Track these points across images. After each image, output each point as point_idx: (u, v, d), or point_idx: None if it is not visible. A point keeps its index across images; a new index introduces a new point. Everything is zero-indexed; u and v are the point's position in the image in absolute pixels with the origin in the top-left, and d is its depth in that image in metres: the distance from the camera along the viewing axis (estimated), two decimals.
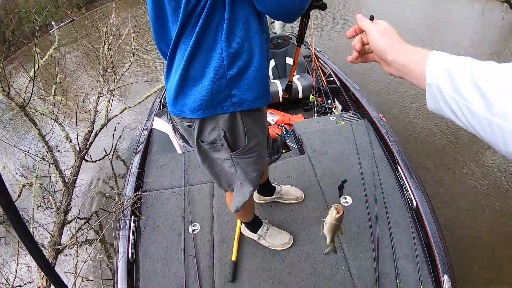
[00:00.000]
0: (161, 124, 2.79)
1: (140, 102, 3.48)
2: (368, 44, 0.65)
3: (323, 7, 1.45)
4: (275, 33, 3.93)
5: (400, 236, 1.66)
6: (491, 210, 2.64)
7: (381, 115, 2.42)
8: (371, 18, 0.64)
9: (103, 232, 2.44)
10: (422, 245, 1.62)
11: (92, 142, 3.49)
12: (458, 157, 3.27)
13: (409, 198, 1.80)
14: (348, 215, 1.79)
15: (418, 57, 0.54)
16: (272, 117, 3.09)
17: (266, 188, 1.85)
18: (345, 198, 1.89)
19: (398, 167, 1.97)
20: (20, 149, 3.02)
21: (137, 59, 4.31)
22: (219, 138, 1.07)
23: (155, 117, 2.89)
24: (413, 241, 1.63)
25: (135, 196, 2.03)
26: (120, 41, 4.77)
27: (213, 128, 1.05)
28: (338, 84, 3.08)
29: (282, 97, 2.91)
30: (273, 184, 1.92)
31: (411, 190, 1.80)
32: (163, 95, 3.29)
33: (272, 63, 3.44)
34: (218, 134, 1.06)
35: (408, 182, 1.85)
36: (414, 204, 1.74)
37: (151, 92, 3.37)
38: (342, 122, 2.50)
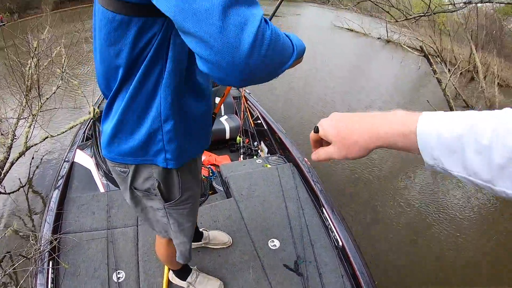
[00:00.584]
0: (84, 158, 2.59)
1: (64, 132, 3.21)
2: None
3: None
4: None
5: (328, 275, 1.70)
6: (413, 244, 2.86)
7: (306, 159, 2.51)
8: (316, 129, 0.58)
9: (20, 283, 2.12)
10: (351, 282, 1.67)
11: (7, 172, 3.11)
12: (380, 195, 3.53)
13: (335, 238, 1.86)
14: (276, 258, 1.80)
15: (402, 125, 0.48)
16: None
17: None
18: (273, 241, 1.90)
19: (323, 209, 2.03)
20: None
21: (65, 83, 4.02)
22: (153, 188, 1.02)
23: (77, 150, 2.67)
24: (341, 279, 1.68)
25: (54, 239, 1.81)
26: (50, 59, 4.44)
27: (148, 177, 1.00)
28: (265, 127, 3.15)
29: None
30: (201, 229, 1.87)
31: (336, 230, 1.86)
32: (87, 126, 3.07)
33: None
34: (152, 184, 1.01)
35: (333, 223, 1.91)
36: (340, 243, 1.80)
37: (76, 122, 3.13)
38: (268, 166, 2.55)
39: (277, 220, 2.02)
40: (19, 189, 3.39)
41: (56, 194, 2.18)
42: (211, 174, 2.65)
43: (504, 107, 0.42)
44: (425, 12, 4.53)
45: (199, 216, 2.01)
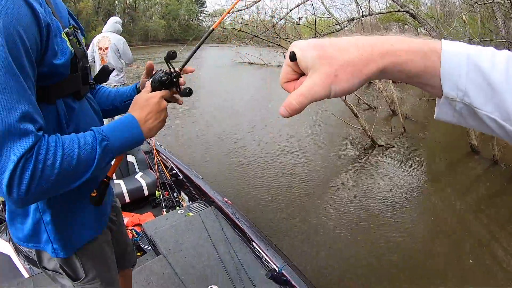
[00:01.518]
0: (0, 244, 2.31)
1: None
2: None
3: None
4: None
5: None
6: (357, 259, 3.02)
7: (226, 199, 2.59)
8: (292, 56, 0.41)
9: None
10: None
11: None
12: (309, 213, 3.73)
13: (271, 267, 1.91)
14: None
15: (422, 43, 0.37)
16: None
17: None
18: None
19: (253, 243, 2.09)
20: None
21: None
22: (57, 268, 0.99)
23: None
24: None
25: None
26: None
27: (49, 258, 0.98)
28: (181, 176, 3.18)
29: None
30: None
31: (271, 260, 1.93)
32: (0, 208, 2.75)
33: (132, 158, 3.37)
34: (55, 264, 0.98)
35: (266, 254, 1.97)
36: (278, 270, 1.86)
37: None
38: (191, 214, 2.55)
39: (211, 266, 2.03)
40: None
41: None
42: (136, 236, 2.58)
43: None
44: (313, 36, 5.02)
45: (133, 282, 1.94)
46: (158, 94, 0.88)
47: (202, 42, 1.04)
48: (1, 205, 2.69)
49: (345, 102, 5.61)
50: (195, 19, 49.58)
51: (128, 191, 3.06)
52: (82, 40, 0.92)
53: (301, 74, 0.43)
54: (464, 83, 0.35)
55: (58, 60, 0.75)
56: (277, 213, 3.68)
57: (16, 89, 0.61)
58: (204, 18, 50.66)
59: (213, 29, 1.09)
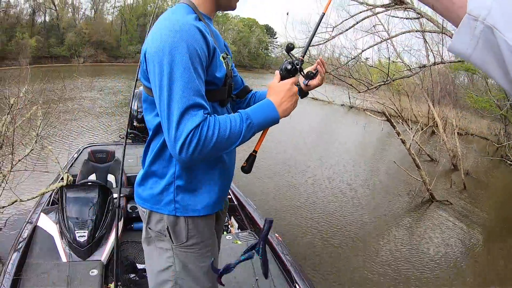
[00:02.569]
0: (48, 223, 2.47)
1: (34, 198, 3.15)
2: None
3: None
4: None
5: None
6: None
7: (277, 234, 2.52)
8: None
9: None
10: None
11: None
12: (355, 266, 3.59)
13: None
14: None
15: None
16: None
17: None
18: None
19: (296, 285, 2.02)
20: None
21: (39, 145, 4.00)
22: (163, 229, 1.13)
23: (42, 213, 2.56)
24: None
25: None
26: (24, 118, 4.41)
27: (159, 219, 1.13)
28: (235, 202, 3.15)
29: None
30: None
31: None
32: (54, 190, 3.01)
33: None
34: (163, 226, 1.13)
35: None
36: None
37: (48, 189, 3.10)
38: (239, 242, 2.52)
39: None
40: None
41: (15, 257, 2.08)
42: None
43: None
44: (384, 80, 4.93)
45: None
46: (289, 81, 1.08)
47: (315, 31, 1.26)
48: (58, 190, 2.96)
49: (409, 151, 5.39)
50: (265, 49, 51.40)
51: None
52: (230, 63, 1.16)
53: None
54: (491, 2, 0.33)
55: (218, 74, 1.03)
56: (323, 257, 3.58)
57: (195, 86, 0.91)
58: (274, 48, 52.38)
59: (324, 13, 1.23)
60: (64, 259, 2.24)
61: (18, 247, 2.20)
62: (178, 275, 1.16)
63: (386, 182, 6.29)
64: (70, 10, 38.26)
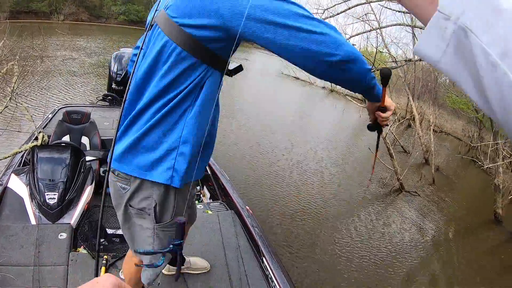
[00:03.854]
0: (18, 185, 2.41)
1: (6, 157, 3.03)
2: None
3: None
4: None
5: None
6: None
7: (248, 207, 2.57)
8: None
9: None
10: None
11: None
12: (320, 240, 3.74)
13: (274, 287, 1.89)
14: None
15: None
16: None
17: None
18: None
19: (263, 258, 2.07)
20: None
21: (14, 103, 3.83)
22: (148, 208, 1.10)
23: (12, 174, 2.49)
24: None
25: None
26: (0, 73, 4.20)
27: (146, 197, 1.09)
28: (209, 172, 3.16)
29: None
30: None
31: (276, 280, 1.90)
32: (26, 152, 2.92)
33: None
34: (149, 204, 1.09)
35: (273, 273, 1.94)
36: None
37: (21, 149, 2.99)
38: (210, 212, 2.55)
39: (215, 268, 2.03)
40: None
41: None
42: None
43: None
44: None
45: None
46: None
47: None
48: (30, 150, 2.88)
49: (384, 141, 5.54)
50: None
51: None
52: None
53: None
54: None
55: None
56: (291, 233, 3.69)
57: None
58: None
59: None
60: (33, 221, 2.21)
61: None
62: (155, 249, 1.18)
63: (358, 168, 6.47)
64: None
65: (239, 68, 1.11)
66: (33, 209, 2.28)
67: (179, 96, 1.00)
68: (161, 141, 1.04)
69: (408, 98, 9.61)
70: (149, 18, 1.10)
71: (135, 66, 1.07)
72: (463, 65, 0.30)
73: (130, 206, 1.13)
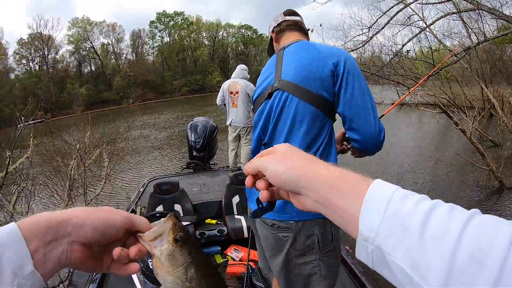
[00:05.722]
0: None
1: None
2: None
3: None
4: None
5: None
6: None
7: (347, 247, 2.47)
8: (265, 144, 0.99)
9: None
10: None
11: None
12: None
13: None
14: None
15: (349, 186, 0.39)
16: (237, 253, 3.08)
17: None
18: None
19: None
20: None
21: (108, 183, 4.36)
22: (313, 243, 1.21)
23: None
24: None
25: None
26: (90, 161, 4.81)
27: (309, 235, 1.20)
28: None
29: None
30: None
31: None
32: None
33: (236, 198, 3.48)
34: (313, 240, 1.21)
35: None
36: None
37: None
38: None
39: None
40: (58, 284, 3.44)
41: None
42: (250, 271, 2.62)
43: None
44: (432, 72, 4.67)
45: None
46: None
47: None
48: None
49: (471, 141, 5.04)
50: None
51: (247, 227, 3.19)
52: None
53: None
54: (379, 223, 0.34)
55: None
56: None
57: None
58: None
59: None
60: (138, 287, 2.38)
61: (94, 278, 2.37)
62: (322, 273, 1.27)
63: (452, 175, 5.89)
64: (112, 57, 41.68)
65: None
66: (138, 275, 2.45)
67: (323, 138, 1.27)
68: None
69: (480, 86, 8.79)
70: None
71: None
72: (390, 272, 0.34)
73: (294, 249, 1.23)
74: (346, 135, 1.31)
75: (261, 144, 1.35)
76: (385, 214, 0.34)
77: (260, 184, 0.48)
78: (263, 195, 0.48)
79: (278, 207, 1.16)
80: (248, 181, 0.50)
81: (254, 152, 1.39)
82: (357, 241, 0.36)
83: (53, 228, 0.40)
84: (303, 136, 1.24)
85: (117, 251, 0.45)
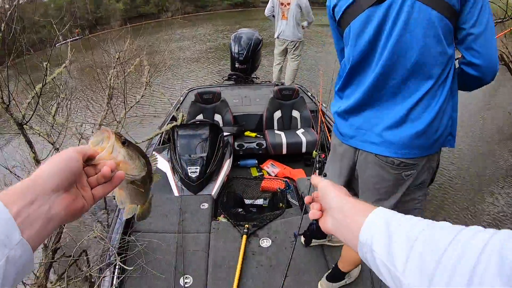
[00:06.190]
0: (161, 161, 2.65)
1: (149, 139, 3.43)
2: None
3: None
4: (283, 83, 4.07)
5: None
6: None
7: None
8: (324, 175, 0.70)
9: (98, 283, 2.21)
10: None
11: None
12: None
13: None
14: None
15: (362, 208, 0.48)
16: (273, 168, 3.04)
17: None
18: None
19: None
20: (15, 174, 2.65)
21: (149, 91, 4.31)
22: (428, 178, 1.16)
23: (154, 152, 2.75)
24: None
25: (123, 239, 1.86)
26: (130, 70, 4.76)
27: (429, 169, 1.14)
28: None
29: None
30: None
31: None
32: (164, 132, 3.23)
33: (278, 114, 3.42)
34: (428, 174, 1.15)
35: None
36: None
37: (163, 129, 3.34)
38: None
39: None
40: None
41: None
42: (286, 188, 2.59)
43: None
44: (502, 18, 3.80)
45: (272, 230, 2.01)
46: None
47: None
48: (169, 130, 3.06)
49: None
50: None
51: (287, 144, 3.13)
52: None
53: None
54: (373, 233, 0.44)
55: None
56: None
57: None
58: None
59: None
60: (176, 193, 2.41)
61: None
62: (421, 207, 1.22)
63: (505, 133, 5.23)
64: None
65: None
66: (176, 182, 2.49)
67: (451, 67, 1.07)
68: (443, 113, 1.07)
69: None
70: None
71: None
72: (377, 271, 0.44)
73: (410, 187, 1.14)
74: (459, 60, 1.08)
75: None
76: (383, 226, 0.44)
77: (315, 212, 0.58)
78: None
79: (407, 143, 1.07)
80: (307, 199, 0.62)
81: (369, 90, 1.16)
82: (358, 248, 0.47)
83: (30, 187, 0.41)
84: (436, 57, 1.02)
85: (105, 169, 0.49)
